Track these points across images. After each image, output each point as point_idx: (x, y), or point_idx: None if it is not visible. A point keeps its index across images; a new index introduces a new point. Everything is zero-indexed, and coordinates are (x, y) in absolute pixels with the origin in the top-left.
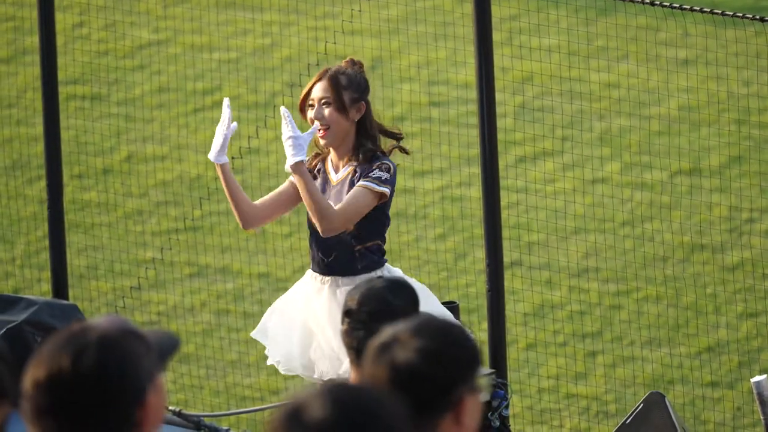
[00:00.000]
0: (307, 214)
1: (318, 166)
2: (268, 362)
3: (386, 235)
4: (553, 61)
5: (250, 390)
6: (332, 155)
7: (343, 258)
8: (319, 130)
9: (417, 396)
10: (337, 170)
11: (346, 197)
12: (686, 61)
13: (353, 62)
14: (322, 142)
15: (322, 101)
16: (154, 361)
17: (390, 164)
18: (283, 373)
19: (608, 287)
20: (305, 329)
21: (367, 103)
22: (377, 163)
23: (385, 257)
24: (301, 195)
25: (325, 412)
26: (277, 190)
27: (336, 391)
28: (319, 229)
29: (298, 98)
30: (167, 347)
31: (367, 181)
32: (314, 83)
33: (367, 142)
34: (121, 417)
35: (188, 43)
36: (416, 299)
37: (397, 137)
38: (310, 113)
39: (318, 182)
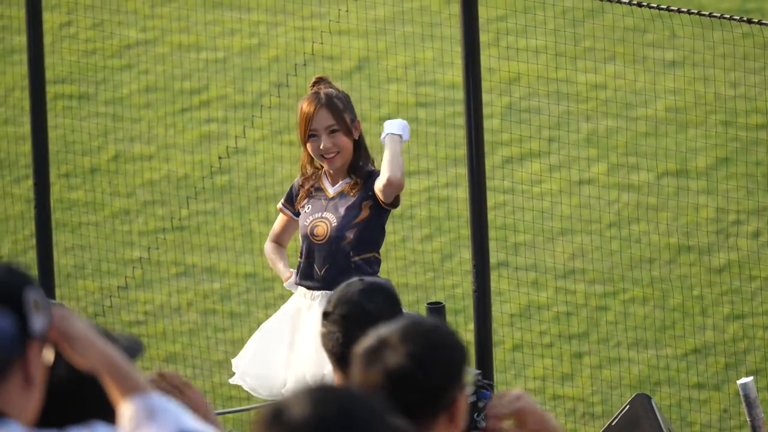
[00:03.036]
0: (303, 228)
1: (313, 185)
2: (233, 369)
3: (381, 249)
4: (540, 62)
5: (237, 390)
6: (327, 169)
7: (338, 270)
8: (325, 156)
9: (412, 400)
10: (334, 183)
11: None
12: (673, 63)
13: (324, 81)
14: (327, 166)
15: (330, 129)
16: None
17: None
18: (246, 388)
19: (595, 288)
20: (289, 349)
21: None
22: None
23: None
24: (395, 156)
25: (306, 412)
26: (280, 225)
27: (318, 392)
28: (395, 183)
29: (285, 98)
30: (132, 353)
31: None
32: (311, 115)
33: (361, 158)
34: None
35: (175, 43)
36: (393, 302)
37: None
38: (317, 143)
39: (312, 196)
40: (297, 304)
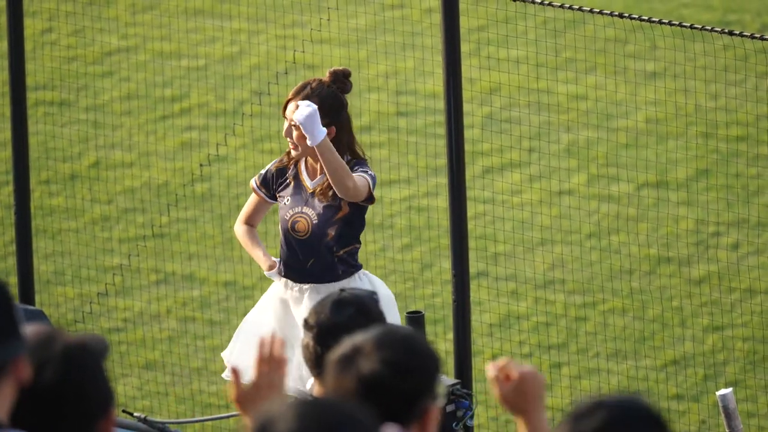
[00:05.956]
0: (283, 222)
1: (291, 170)
2: (225, 362)
3: (362, 259)
4: (521, 73)
5: (215, 397)
6: (308, 158)
7: (323, 264)
8: (290, 142)
9: (384, 407)
10: (312, 176)
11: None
12: (654, 74)
13: (335, 75)
14: (292, 153)
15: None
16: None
17: (369, 174)
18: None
19: (574, 299)
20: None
21: (341, 124)
22: (358, 170)
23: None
24: (327, 161)
25: (292, 426)
26: (252, 205)
27: (303, 407)
28: (342, 192)
29: (266, 106)
30: (99, 353)
31: (359, 173)
32: (291, 98)
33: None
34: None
35: (156, 50)
36: (367, 315)
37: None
38: (285, 125)
39: (291, 186)
40: (282, 295)
